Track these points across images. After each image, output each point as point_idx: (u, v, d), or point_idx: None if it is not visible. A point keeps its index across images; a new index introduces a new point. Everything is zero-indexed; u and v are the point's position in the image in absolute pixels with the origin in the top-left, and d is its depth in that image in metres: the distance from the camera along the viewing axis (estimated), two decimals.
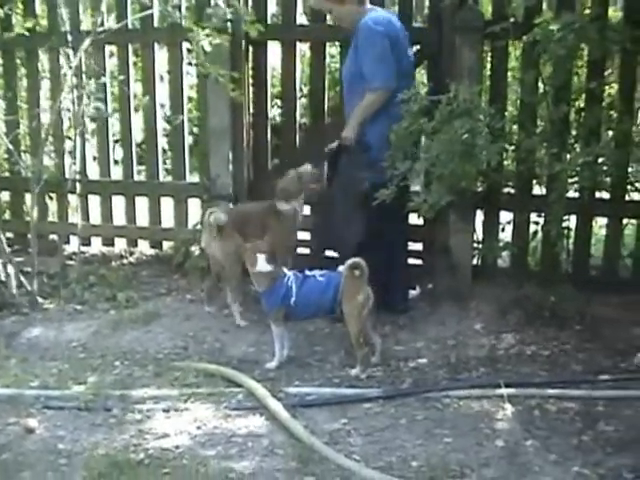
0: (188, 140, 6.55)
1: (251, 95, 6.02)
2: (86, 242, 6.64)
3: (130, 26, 6.14)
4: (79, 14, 6.39)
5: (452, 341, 4.95)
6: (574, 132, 5.12)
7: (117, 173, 6.79)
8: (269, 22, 5.97)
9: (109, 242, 6.77)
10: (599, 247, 5.71)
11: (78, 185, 6.30)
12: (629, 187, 5.23)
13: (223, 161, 5.96)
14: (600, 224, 5.79)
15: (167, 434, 3.82)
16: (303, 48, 6.48)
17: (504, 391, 4.09)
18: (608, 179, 5.01)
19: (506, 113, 5.38)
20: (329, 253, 5.61)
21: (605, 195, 5.41)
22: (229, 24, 5.49)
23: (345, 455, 3.57)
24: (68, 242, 6.67)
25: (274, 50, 6.13)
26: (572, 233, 5.29)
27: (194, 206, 6.41)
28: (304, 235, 5.91)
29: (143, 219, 6.64)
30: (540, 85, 5.07)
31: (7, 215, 6.93)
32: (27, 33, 6.04)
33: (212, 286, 5.51)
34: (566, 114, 5.05)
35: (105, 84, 6.33)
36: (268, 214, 5.35)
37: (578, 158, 4.63)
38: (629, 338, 4.81)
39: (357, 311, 4.44)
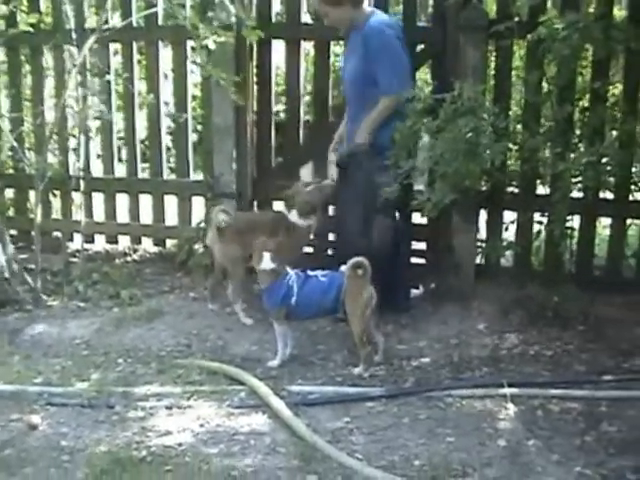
0: (192, 138, 6.56)
1: (255, 93, 6.02)
2: (90, 239, 6.65)
3: (135, 24, 6.13)
4: (84, 11, 6.40)
5: (455, 340, 4.95)
6: (578, 132, 5.12)
7: (121, 171, 6.81)
8: (273, 20, 5.98)
9: (113, 239, 6.78)
10: (603, 247, 5.70)
11: (82, 182, 6.32)
12: (633, 187, 5.22)
13: (227, 159, 5.96)
14: (604, 224, 5.78)
15: (170, 431, 3.82)
16: (307, 47, 6.48)
17: (507, 391, 4.09)
18: (612, 179, 4.99)
19: (510, 112, 5.39)
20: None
21: (609, 195, 5.41)
22: (233, 22, 5.48)
23: (347, 453, 3.57)
24: (72, 239, 6.68)
25: (278, 48, 6.13)
26: (576, 233, 5.30)
27: (198, 204, 6.41)
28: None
29: (147, 217, 6.64)
30: (544, 85, 5.06)
31: (11, 212, 6.94)
32: (32, 30, 6.05)
33: (216, 284, 5.51)
34: (570, 114, 5.03)
35: (109, 82, 6.34)
36: (278, 226, 5.22)
37: (582, 158, 4.61)
38: (633, 338, 4.80)
39: (360, 310, 4.44)
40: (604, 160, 4.62)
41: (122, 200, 6.70)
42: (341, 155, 5.22)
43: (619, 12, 5.55)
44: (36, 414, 4.02)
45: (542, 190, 5.36)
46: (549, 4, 5.26)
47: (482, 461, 3.52)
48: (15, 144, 6.09)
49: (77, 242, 6.52)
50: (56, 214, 6.84)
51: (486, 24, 5.16)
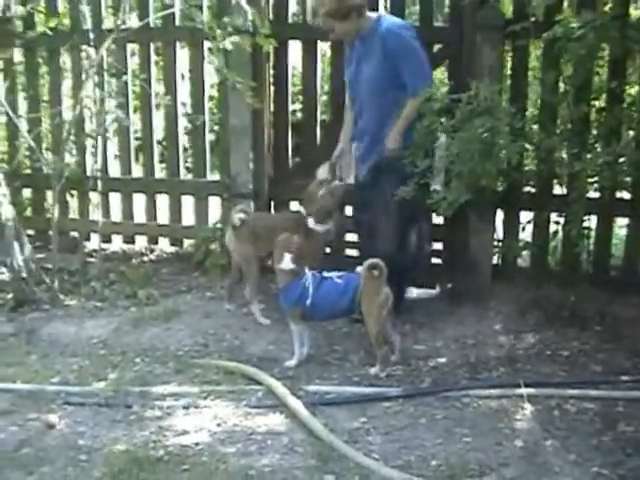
0: (209, 138, 6.57)
1: (272, 94, 6.03)
2: (107, 239, 6.69)
3: (152, 25, 6.15)
4: (101, 12, 6.43)
5: (472, 340, 4.95)
6: (594, 132, 5.10)
7: (138, 171, 6.83)
8: (290, 21, 5.99)
9: (130, 239, 6.81)
10: (620, 247, 5.68)
11: (99, 182, 6.35)
12: None
13: (244, 159, 5.98)
14: (620, 224, 5.76)
15: (187, 431, 3.84)
16: (324, 47, 6.48)
17: (524, 391, 4.09)
18: (629, 179, 4.97)
19: (526, 112, 5.37)
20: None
21: (626, 195, 5.39)
22: (249, 24, 5.49)
23: (364, 453, 3.58)
24: (89, 239, 6.73)
25: (295, 49, 6.14)
26: (592, 233, 5.28)
27: (214, 204, 6.43)
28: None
29: (164, 217, 6.67)
30: (561, 84, 5.06)
31: (29, 212, 7.00)
32: (49, 31, 6.07)
33: (233, 283, 5.51)
34: (586, 114, 5.03)
35: (126, 82, 6.37)
36: (296, 227, 5.13)
37: (598, 158, 4.61)
38: None
39: (377, 311, 4.45)
40: (621, 160, 4.61)
41: (139, 200, 6.73)
42: (374, 164, 5.14)
43: (635, 11, 5.52)
44: (54, 413, 4.04)
45: (559, 190, 5.34)
46: (565, 3, 5.25)
47: (499, 461, 3.52)
48: (33, 144, 6.12)
49: (94, 242, 6.56)
50: (73, 214, 6.88)
51: (502, 24, 5.16)
